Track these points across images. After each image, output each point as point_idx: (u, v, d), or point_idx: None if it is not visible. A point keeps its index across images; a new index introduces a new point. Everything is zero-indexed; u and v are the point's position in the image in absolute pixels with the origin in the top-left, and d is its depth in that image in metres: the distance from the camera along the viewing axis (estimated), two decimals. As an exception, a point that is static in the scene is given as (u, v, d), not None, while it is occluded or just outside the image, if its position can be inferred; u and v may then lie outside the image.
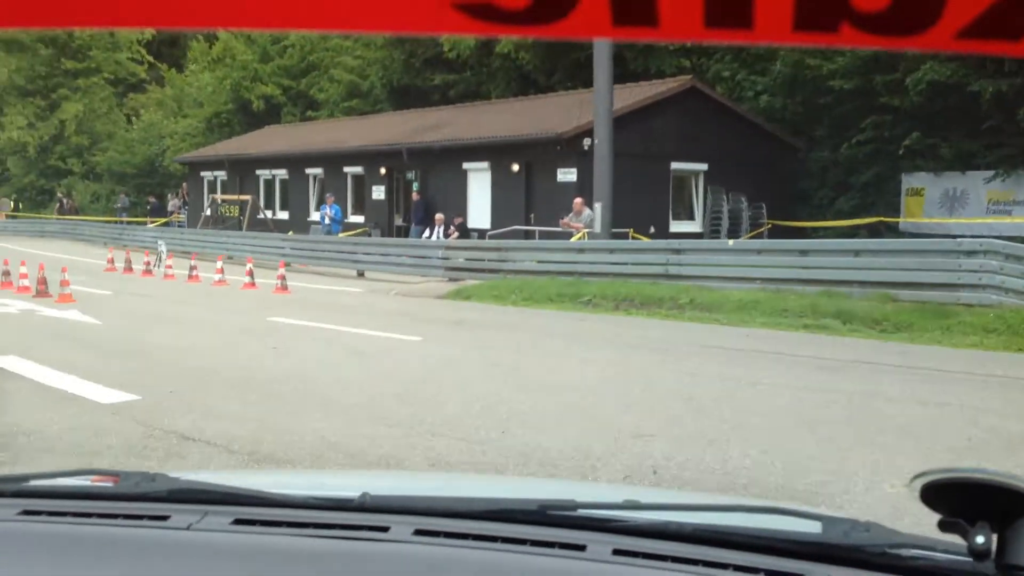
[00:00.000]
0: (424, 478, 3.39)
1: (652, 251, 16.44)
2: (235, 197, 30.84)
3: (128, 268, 21.83)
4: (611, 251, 16.76)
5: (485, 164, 22.92)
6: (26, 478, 1.45)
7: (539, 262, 17.28)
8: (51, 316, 12.91)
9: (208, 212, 30.98)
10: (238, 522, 1.28)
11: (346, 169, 27.62)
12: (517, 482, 3.56)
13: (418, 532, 1.23)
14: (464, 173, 23.58)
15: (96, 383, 7.65)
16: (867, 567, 1.14)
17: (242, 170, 32.12)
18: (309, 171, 29.27)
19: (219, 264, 18.74)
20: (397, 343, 10.32)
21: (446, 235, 22.27)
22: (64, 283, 15.08)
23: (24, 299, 15.26)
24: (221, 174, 33.42)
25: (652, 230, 20.40)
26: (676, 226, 21.88)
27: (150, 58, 47.77)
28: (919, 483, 1.06)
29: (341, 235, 24.95)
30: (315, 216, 27.64)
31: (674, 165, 21.91)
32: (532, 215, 21.78)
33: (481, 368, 8.79)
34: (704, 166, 22.40)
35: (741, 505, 1.68)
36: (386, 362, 9.11)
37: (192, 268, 19.37)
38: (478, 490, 1.92)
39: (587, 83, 20.89)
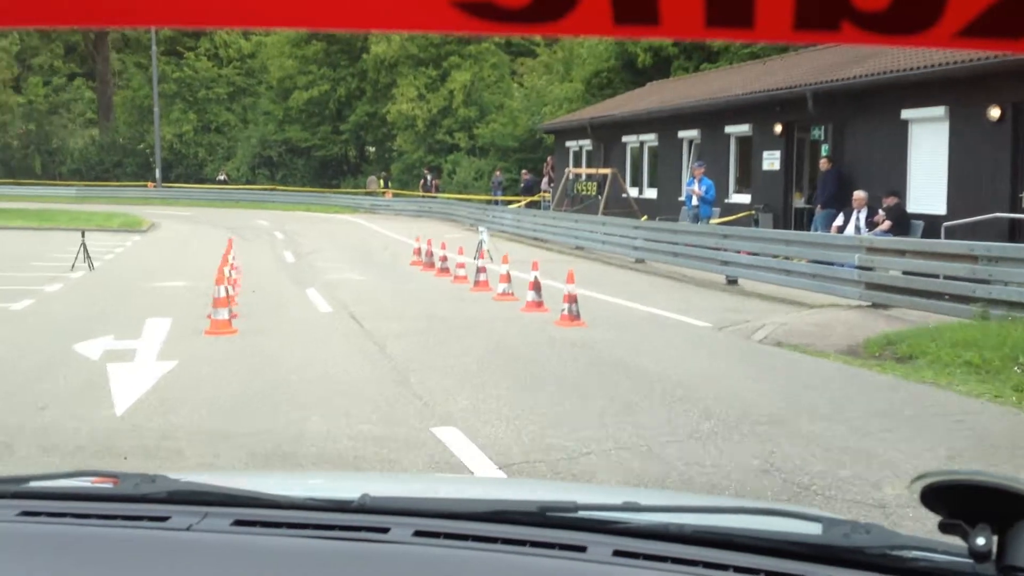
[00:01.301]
0: (424, 480, 3.33)
1: None
2: (593, 171, 24.74)
3: (429, 264, 16.63)
4: None
5: (939, 110, 14.25)
6: (26, 479, 1.46)
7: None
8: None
9: (563, 190, 25.24)
10: (238, 523, 1.28)
11: (728, 129, 20.17)
12: (517, 484, 3.47)
13: (418, 533, 1.23)
14: (903, 126, 15.08)
15: None
16: (868, 569, 1.14)
17: (607, 137, 25.95)
18: (683, 134, 22.23)
19: (503, 268, 12.56)
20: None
21: (870, 225, 14.11)
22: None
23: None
24: (586, 143, 27.58)
25: None
26: None
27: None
28: (919, 485, 1.06)
29: (713, 221, 17.69)
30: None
31: None
32: (1024, 194, 12.85)
33: None
34: None
35: (742, 507, 1.69)
36: None
37: (479, 271, 13.50)
38: (478, 492, 2.03)
39: None
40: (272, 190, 46.42)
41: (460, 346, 8.73)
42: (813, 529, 1.23)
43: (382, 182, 45.14)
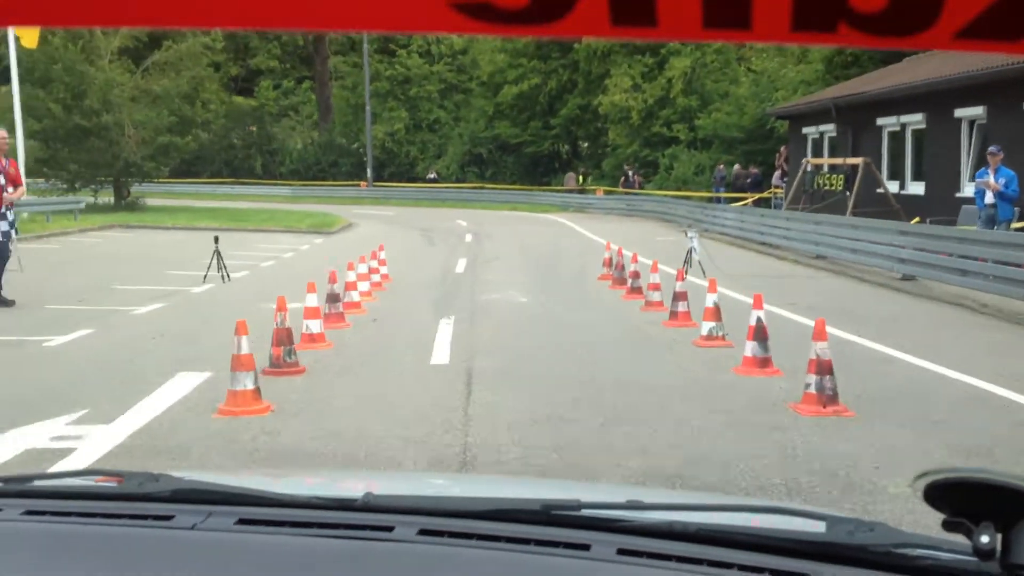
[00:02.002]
0: (428, 478, 3.27)
1: None
2: (839, 161, 20.08)
3: (619, 280, 12.99)
4: None
5: None
6: (30, 478, 1.48)
7: None
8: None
9: (800, 185, 20.75)
10: (242, 522, 1.27)
11: (1031, 102, 15.09)
12: (521, 482, 3.33)
13: (423, 532, 1.22)
14: None
15: None
16: (872, 567, 1.14)
17: (856, 119, 21.13)
18: (961, 112, 17.21)
19: (711, 299, 8.53)
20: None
21: None
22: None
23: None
24: (828, 128, 22.84)
25: None
26: None
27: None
28: (923, 483, 1.05)
29: (1015, 226, 12.90)
30: (968, 190, 15.78)
31: None
32: None
33: None
34: None
35: (746, 505, 1.77)
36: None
37: (679, 299, 9.61)
38: (482, 490, 1.91)
39: None
40: (480, 188, 44.30)
41: (637, 463, 5.02)
42: (817, 527, 1.22)
43: (581, 179, 42.06)
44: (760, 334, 7.00)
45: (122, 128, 31.66)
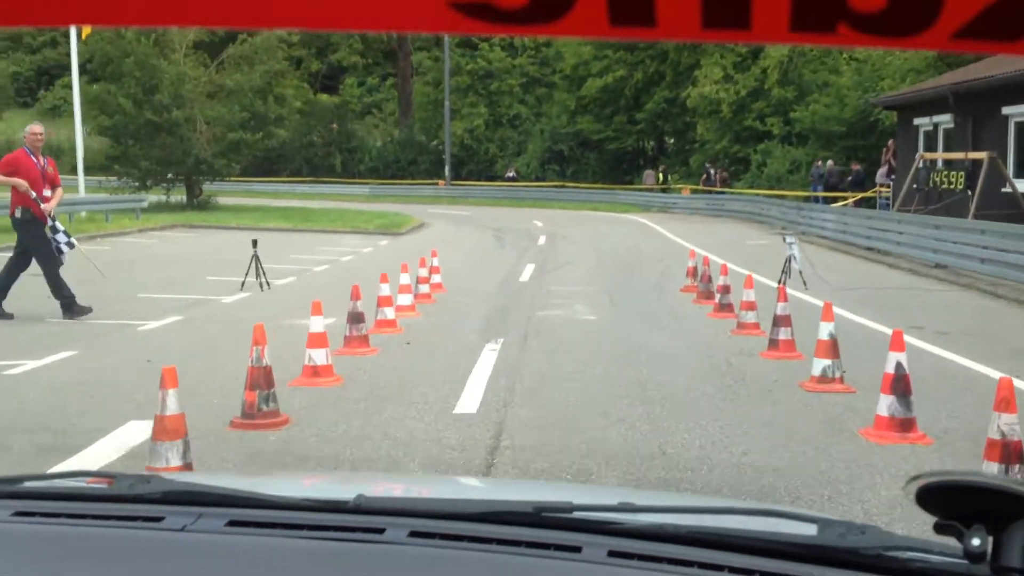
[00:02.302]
0: (419, 481, 3.19)
1: None
2: (959, 155, 17.76)
3: (705, 294, 11.17)
4: None
5: None
6: (20, 479, 1.45)
7: None
8: None
9: (912, 183, 18.49)
10: (233, 524, 1.27)
11: None
12: (512, 484, 3.38)
13: (413, 534, 1.22)
14: None
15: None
16: (863, 569, 1.13)
17: (976, 108, 18.73)
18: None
19: (825, 329, 6.61)
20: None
21: None
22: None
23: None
24: (944, 119, 20.43)
25: None
26: None
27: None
28: (915, 486, 1.05)
29: None
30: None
31: None
32: None
33: None
34: None
35: (737, 507, 1.68)
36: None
37: (780, 323, 7.72)
38: (474, 492, 1.96)
39: None
40: (561, 187, 42.62)
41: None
42: (809, 530, 1.22)
43: (660, 176, 39.93)
44: (901, 386, 5.09)
45: (193, 124, 30.98)
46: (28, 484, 1.44)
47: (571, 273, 14.78)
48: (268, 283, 12.44)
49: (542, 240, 22.21)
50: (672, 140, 44.27)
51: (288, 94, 35.18)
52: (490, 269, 15.52)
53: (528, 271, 15.02)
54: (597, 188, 41.65)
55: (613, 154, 43.71)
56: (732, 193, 35.09)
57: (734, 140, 37.77)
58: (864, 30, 0.49)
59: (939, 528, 1.06)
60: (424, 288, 11.53)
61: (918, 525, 3.26)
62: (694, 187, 37.76)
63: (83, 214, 22.45)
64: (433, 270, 12.29)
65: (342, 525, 1.24)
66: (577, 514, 1.26)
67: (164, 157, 30.75)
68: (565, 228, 26.59)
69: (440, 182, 46.01)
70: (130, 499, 1.35)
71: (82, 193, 23.35)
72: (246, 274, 12.33)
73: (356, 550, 1.19)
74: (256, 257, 12.34)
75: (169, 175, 31.70)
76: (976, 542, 1.01)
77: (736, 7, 0.49)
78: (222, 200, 33.79)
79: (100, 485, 1.50)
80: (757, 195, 32.66)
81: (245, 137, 31.33)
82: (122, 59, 29.61)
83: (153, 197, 31.51)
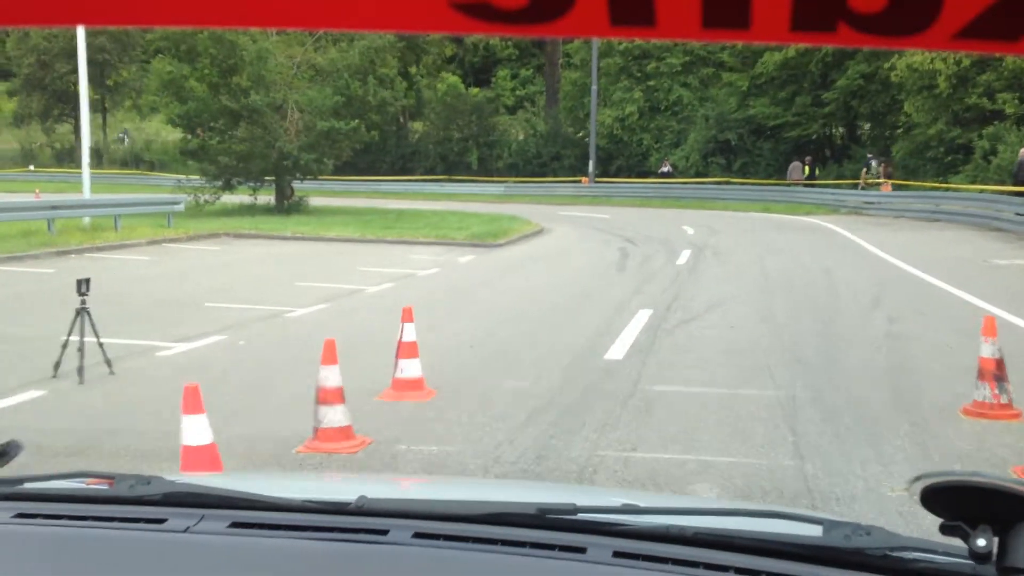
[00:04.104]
0: (422, 482, 3.06)
1: None
2: None
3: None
4: None
5: None
6: (20, 481, 1.42)
7: None
8: None
9: None
10: (235, 525, 1.26)
11: None
12: (517, 486, 3.27)
13: (417, 535, 1.22)
14: None
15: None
16: (868, 570, 1.13)
17: None
18: None
19: None
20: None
21: None
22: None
23: None
24: None
25: None
26: None
27: None
28: (919, 486, 1.05)
29: None
30: None
31: None
32: None
33: None
34: None
35: (742, 509, 1.63)
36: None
37: None
38: (478, 494, 1.90)
39: None
40: (725, 184, 35.53)
41: None
42: (814, 531, 1.21)
43: (807, 169, 33.45)
44: None
45: (283, 112, 26.07)
46: (29, 485, 1.41)
47: (709, 336, 8.20)
48: (109, 363, 6.58)
49: (683, 257, 15.58)
50: (868, 125, 36.19)
51: (393, 75, 29.64)
52: (573, 318, 9.17)
53: (635, 327, 8.55)
54: (771, 185, 34.29)
55: (793, 143, 36.12)
56: (950, 190, 27.06)
57: (952, 122, 29.65)
58: (864, 30, 0.49)
59: (945, 529, 1.05)
60: (399, 376, 5.43)
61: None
62: (899, 182, 29.85)
63: (86, 220, 17.57)
64: (407, 351, 6.03)
65: (345, 527, 1.23)
66: (581, 515, 1.25)
67: (247, 151, 25.94)
68: (722, 237, 19.77)
69: (583, 179, 39.78)
70: (132, 501, 1.34)
71: (87, 194, 18.55)
72: (63, 349, 6.47)
73: (359, 551, 1.19)
74: (83, 314, 6.46)
75: (254, 172, 26.79)
76: (981, 543, 1.01)
77: (736, 7, 0.49)
78: (320, 202, 28.84)
79: (101, 487, 1.45)
80: (982, 191, 24.71)
81: (337, 125, 26.05)
82: (195, 34, 24.92)
83: (236, 198, 26.86)
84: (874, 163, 31.49)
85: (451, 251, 17.40)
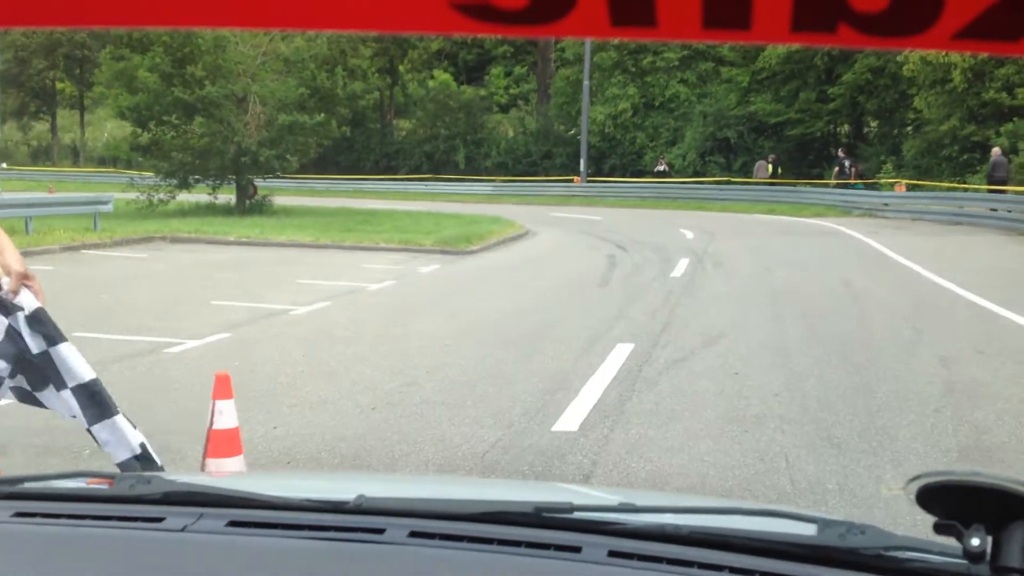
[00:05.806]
0: (419, 481, 3.15)
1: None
2: None
3: None
4: None
5: None
6: (19, 480, 1.43)
7: None
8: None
9: None
10: (233, 524, 1.26)
11: None
12: (513, 485, 3.30)
13: (413, 534, 1.21)
14: None
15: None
16: (863, 569, 1.13)
17: None
18: None
19: None
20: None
21: None
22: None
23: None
24: None
25: None
26: None
27: None
28: (915, 486, 1.04)
29: None
30: None
31: None
32: None
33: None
34: None
35: (738, 508, 1.66)
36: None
37: None
38: (474, 492, 1.90)
39: None
40: (725, 184, 33.38)
41: None
42: (808, 530, 1.21)
43: (771, 167, 31.89)
44: None
45: (243, 105, 23.89)
46: (27, 485, 1.42)
47: (703, 392, 6.01)
48: None
49: (681, 268, 13.41)
50: (876, 123, 34.06)
51: (366, 67, 27.39)
52: (524, 362, 6.98)
53: (602, 379, 6.35)
54: (773, 184, 32.13)
55: (796, 141, 34.03)
56: (972, 191, 24.93)
57: (967, 119, 27.59)
58: (865, 30, 0.49)
59: (939, 528, 1.05)
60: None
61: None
62: (913, 182, 27.72)
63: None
64: (220, 445, 3.84)
65: (342, 525, 1.23)
66: (577, 514, 1.25)
67: (204, 147, 23.74)
68: (724, 242, 17.63)
69: (575, 179, 37.63)
70: (131, 499, 1.34)
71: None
72: None
73: (356, 550, 1.19)
74: None
75: (211, 170, 24.56)
76: (975, 542, 1.01)
77: (737, 7, 0.49)
78: (292, 202, 26.63)
79: (100, 486, 1.46)
80: (1021, 192, 22.61)
81: (301, 120, 23.86)
82: (146, 20, 22.72)
83: (195, 197, 24.68)
84: (847, 163, 29.69)
85: (414, 259, 15.23)
